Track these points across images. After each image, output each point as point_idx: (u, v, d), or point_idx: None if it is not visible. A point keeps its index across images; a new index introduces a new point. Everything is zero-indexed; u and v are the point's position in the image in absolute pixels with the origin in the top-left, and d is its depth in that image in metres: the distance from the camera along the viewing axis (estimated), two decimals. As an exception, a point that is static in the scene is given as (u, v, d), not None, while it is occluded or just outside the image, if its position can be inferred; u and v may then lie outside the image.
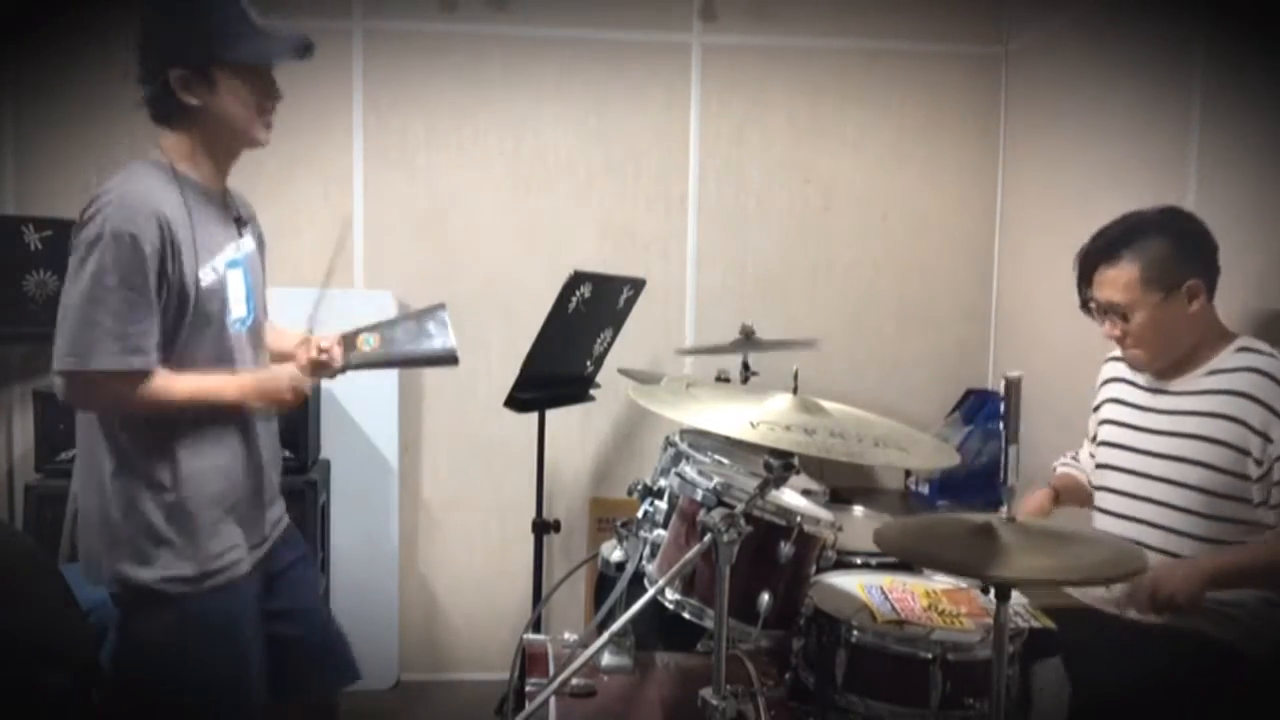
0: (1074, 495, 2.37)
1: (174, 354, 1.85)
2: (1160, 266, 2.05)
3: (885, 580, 2.09)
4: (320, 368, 2.04)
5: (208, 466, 1.90)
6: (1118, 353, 2.28)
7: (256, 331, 2.03)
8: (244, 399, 1.94)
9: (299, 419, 3.05)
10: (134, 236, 1.75)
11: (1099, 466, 2.27)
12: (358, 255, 3.49)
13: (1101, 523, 2.22)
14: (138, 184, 1.82)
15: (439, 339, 2.10)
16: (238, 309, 1.95)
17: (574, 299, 2.69)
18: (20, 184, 3.31)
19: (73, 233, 1.81)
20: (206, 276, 1.87)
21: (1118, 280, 2.08)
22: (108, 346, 1.76)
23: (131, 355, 1.78)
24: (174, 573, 1.85)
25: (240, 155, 1.99)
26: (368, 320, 2.14)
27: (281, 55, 1.92)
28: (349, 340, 2.10)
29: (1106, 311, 2.12)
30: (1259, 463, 1.95)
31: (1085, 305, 2.19)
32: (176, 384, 1.84)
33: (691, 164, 3.57)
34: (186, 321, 1.85)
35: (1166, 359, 2.12)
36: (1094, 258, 2.14)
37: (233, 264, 1.94)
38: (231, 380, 1.92)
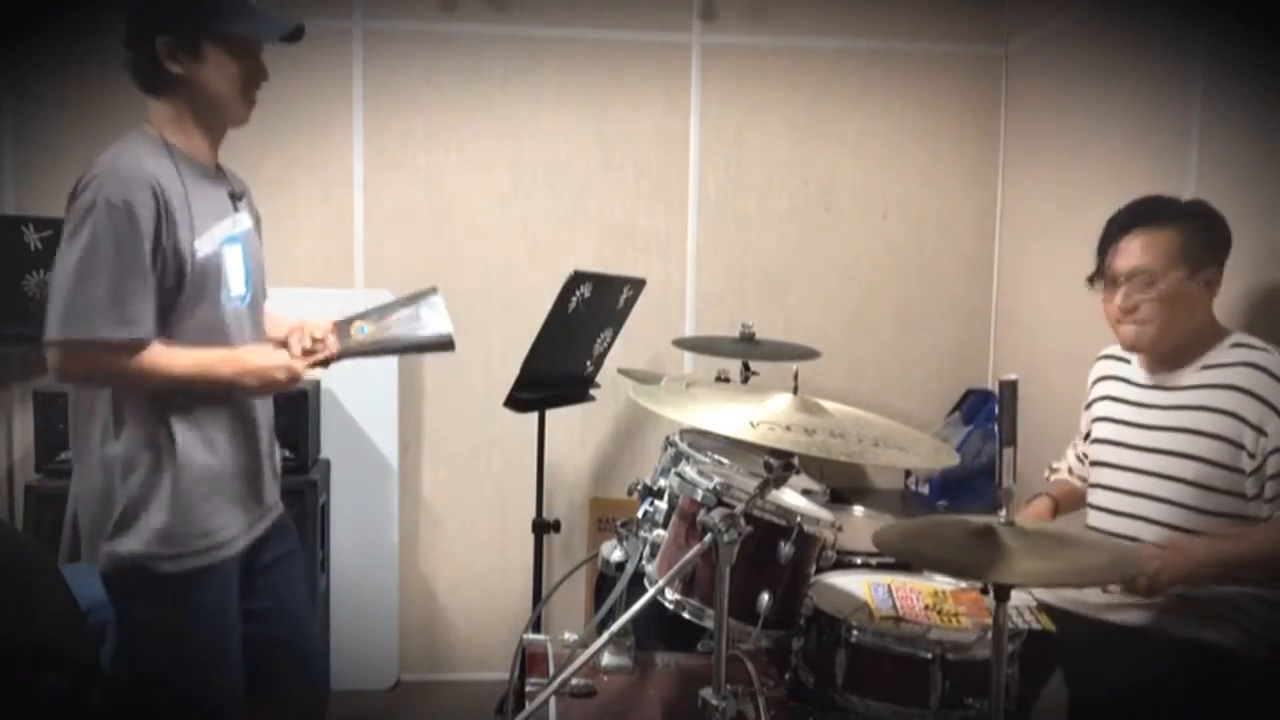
0: (1073, 502, 2.38)
1: (170, 327, 1.83)
2: (1193, 243, 2.06)
3: (889, 579, 2.10)
4: (313, 357, 2.01)
5: (203, 439, 1.88)
6: (1112, 350, 2.28)
7: (255, 310, 2.00)
8: (238, 378, 1.90)
9: (299, 419, 3.05)
10: (128, 204, 1.73)
11: (1094, 464, 2.27)
12: (358, 255, 3.49)
13: (1096, 519, 2.22)
14: (131, 154, 1.80)
15: (434, 324, 2.06)
16: (237, 286, 1.92)
17: (574, 299, 2.69)
18: (20, 184, 3.31)
19: (66, 205, 1.79)
20: (203, 248, 1.84)
21: (1155, 244, 2.07)
22: (101, 316, 1.73)
23: (125, 325, 1.75)
24: (163, 549, 1.83)
25: (226, 132, 1.97)
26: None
27: (270, 35, 1.91)
28: (342, 328, 2.06)
29: (1129, 279, 2.09)
30: (1252, 456, 1.96)
31: (1099, 274, 2.16)
32: (172, 358, 1.81)
33: (691, 164, 3.57)
34: (184, 293, 1.83)
35: (1166, 343, 2.11)
36: (1131, 221, 2.12)
37: (231, 240, 1.92)
38: (227, 356, 1.89)
